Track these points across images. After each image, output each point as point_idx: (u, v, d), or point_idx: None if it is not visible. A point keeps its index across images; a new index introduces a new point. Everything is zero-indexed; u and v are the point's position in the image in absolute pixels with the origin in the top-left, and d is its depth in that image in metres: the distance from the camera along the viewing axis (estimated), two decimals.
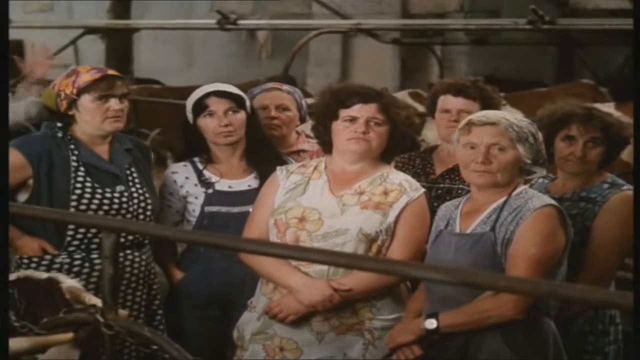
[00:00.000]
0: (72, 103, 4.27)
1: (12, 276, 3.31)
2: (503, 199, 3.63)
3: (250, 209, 4.18)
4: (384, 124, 3.92)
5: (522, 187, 3.68)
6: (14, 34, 12.62)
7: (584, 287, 2.35)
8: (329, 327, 3.90)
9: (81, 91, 4.26)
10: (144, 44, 12.29)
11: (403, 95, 8.31)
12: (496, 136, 3.62)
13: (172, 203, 4.51)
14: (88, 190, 4.23)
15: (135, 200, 4.32)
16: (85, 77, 4.27)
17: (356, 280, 3.86)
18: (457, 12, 9.51)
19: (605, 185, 4.01)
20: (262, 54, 13.80)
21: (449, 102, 4.48)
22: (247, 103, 4.50)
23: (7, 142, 3.76)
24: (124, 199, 4.28)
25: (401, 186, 3.94)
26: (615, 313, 4.03)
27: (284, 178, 4.05)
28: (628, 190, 3.98)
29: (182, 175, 4.49)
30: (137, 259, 4.32)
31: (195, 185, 4.46)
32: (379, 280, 3.85)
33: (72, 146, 4.29)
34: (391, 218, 3.89)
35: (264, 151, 4.46)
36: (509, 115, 3.71)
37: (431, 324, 3.60)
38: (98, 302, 3.09)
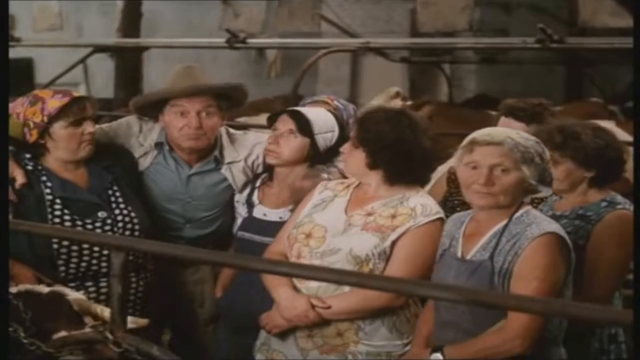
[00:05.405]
0: (44, 132, 4.04)
1: (14, 289, 3.31)
2: (504, 223, 3.49)
3: None
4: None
5: (524, 209, 3.52)
6: (24, 52, 12.71)
7: (594, 306, 2.35)
8: (313, 345, 3.82)
9: (52, 118, 4.02)
10: (153, 63, 12.32)
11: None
12: (500, 157, 3.46)
13: (239, 214, 4.42)
14: (67, 224, 4.03)
15: (121, 224, 4.12)
16: (54, 103, 4.03)
17: (338, 299, 3.76)
18: (466, 31, 9.50)
19: (603, 204, 3.95)
20: (271, 73, 13.80)
21: (503, 122, 4.42)
22: (317, 130, 4.20)
23: (7, 149, 3.69)
24: (107, 227, 4.08)
25: (413, 211, 3.78)
26: (616, 331, 3.95)
27: (317, 193, 3.99)
28: (623, 208, 3.91)
29: (245, 190, 4.42)
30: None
31: (243, 204, 4.37)
32: (363, 303, 3.74)
33: (44, 178, 4.08)
34: (387, 242, 3.75)
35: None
36: (515, 134, 3.54)
37: (437, 357, 3.52)
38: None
